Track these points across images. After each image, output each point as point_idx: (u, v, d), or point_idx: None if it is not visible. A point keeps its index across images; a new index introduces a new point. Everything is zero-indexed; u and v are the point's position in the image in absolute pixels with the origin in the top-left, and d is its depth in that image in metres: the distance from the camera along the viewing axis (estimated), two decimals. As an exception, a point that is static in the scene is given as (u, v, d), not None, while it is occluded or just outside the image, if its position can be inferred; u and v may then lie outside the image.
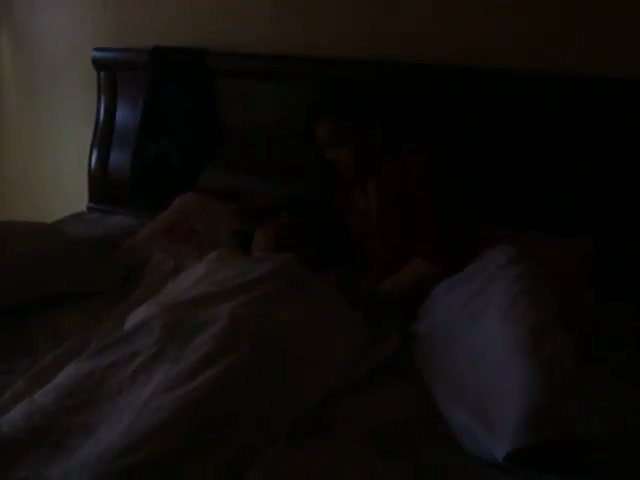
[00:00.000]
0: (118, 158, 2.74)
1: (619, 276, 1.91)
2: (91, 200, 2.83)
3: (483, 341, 1.45)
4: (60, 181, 3.16)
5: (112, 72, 2.69)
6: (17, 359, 1.58)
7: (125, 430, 1.15)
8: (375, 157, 1.93)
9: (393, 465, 1.23)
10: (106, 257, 2.12)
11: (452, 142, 2.04)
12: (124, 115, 2.71)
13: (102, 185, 2.78)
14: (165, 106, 2.56)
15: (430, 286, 1.73)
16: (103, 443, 1.14)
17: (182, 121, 2.54)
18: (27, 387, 1.42)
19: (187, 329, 1.41)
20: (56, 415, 1.24)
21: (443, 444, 1.32)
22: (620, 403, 1.33)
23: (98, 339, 1.61)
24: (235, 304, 1.49)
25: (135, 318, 1.55)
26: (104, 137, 2.75)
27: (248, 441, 1.24)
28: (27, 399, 1.30)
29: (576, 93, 1.99)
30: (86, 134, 2.80)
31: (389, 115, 1.98)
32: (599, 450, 1.23)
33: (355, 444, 1.29)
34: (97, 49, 2.69)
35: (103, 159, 2.76)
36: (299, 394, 1.40)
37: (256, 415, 1.29)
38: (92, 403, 1.27)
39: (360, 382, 1.51)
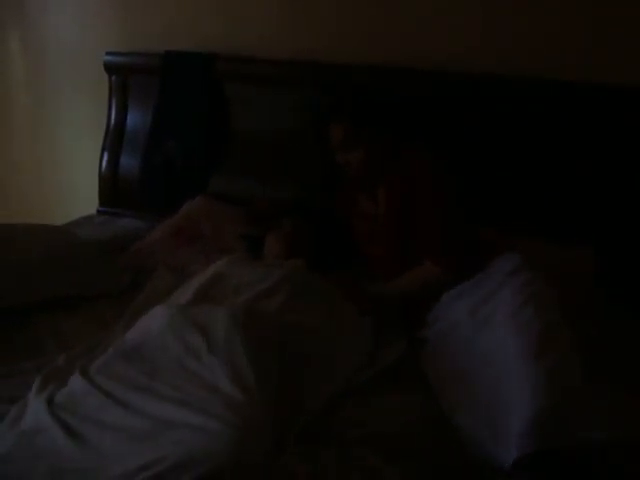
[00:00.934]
0: (128, 161, 2.76)
1: (621, 283, 1.90)
2: (101, 203, 2.85)
3: (490, 348, 1.45)
4: (70, 183, 3.19)
5: (123, 76, 2.72)
6: (21, 360, 1.59)
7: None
8: (384, 161, 1.93)
9: (396, 469, 1.23)
10: (113, 260, 2.13)
11: (452, 149, 2.03)
12: (135, 119, 2.73)
13: (112, 188, 2.80)
14: (175, 110, 2.58)
15: (436, 289, 1.73)
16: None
17: (191, 125, 2.56)
18: (42, 386, 1.42)
19: (211, 333, 1.42)
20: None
21: (448, 448, 1.32)
22: (624, 410, 1.33)
23: (110, 340, 1.62)
24: (250, 316, 1.49)
25: (153, 320, 1.54)
26: (114, 141, 2.77)
27: None
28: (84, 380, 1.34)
29: (577, 99, 1.97)
30: (97, 137, 2.81)
31: (392, 118, 1.98)
32: (602, 456, 1.22)
33: (359, 448, 1.29)
34: (109, 53, 2.71)
35: (113, 162, 2.78)
36: (311, 396, 1.41)
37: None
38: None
39: (365, 386, 1.51)
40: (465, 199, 1.88)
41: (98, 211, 2.83)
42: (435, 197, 1.81)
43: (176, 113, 2.57)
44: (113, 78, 2.74)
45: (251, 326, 1.44)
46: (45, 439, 1.21)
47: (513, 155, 2.06)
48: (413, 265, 1.82)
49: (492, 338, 1.47)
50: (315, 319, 1.58)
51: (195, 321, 1.45)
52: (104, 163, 2.79)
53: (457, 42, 2.13)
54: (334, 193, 2.17)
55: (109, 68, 2.72)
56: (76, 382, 1.36)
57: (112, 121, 2.76)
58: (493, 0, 2.06)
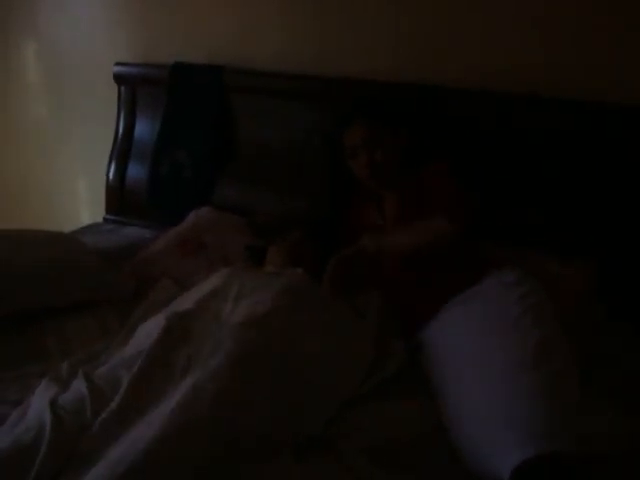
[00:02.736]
0: (135, 171, 2.78)
1: (621, 297, 1.90)
2: (107, 211, 2.87)
3: (486, 359, 1.45)
4: (78, 191, 3.23)
5: (132, 87, 2.75)
6: (26, 365, 1.61)
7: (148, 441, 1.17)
8: (401, 166, 1.95)
9: (394, 478, 1.24)
10: (118, 267, 2.14)
11: (456, 161, 2.02)
12: (142, 129, 2.76)
13: (119, 197, 2.83)
14: (183, 121, 2.61)
15: (444, 250, 1.73)
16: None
17: (198, 135, 2.58)
18: (45, 388, 1.44)
19: (205, 346, 1.42)
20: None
21: (447, 459, 1.32)
22: (620, 423, 1.33)
23: (112, 349, 1.64)
24: (248, 326, 1.50)
25: (153, 328, 1.55)
26: (122, 150, 2.80)
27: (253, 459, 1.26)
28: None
29: (578, 118, 1.98)
30: (107, 146, 2.84)
31: (413, 132, 2.00)
32: (599, 469, 1.22)
33: (358, 459, 1.29)
34: (118, 64, 2.74)
35: (120, 172, 2.81)
36: (306, 414, 1.40)
37: (262, 434, 1.30)
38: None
39: (363, 398, 1.51)
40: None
41: (104, 219, 2.86)
42: (451, 189, 1.84)
43: (184, 124, 2.60)
44: (122, 89, 2.77)
45: (245, 340, 1.43)
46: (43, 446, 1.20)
47: (516, 168, 2.07)
48: (420, 276, 1.81)
49: (489, 349, 1.47)
50: (316, 332, 1.58)
51: (191, 331, 1.47)
52: (111, 172, 2.82)
53: (463, 59, 2.15)
54: (344, 205, 2.18)
55: (118, 79, 2.75)
56: (80, 387, 1.38)
57: (120, 131, 2.79)
58: (507, 19, 2.07)
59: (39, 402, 1.35)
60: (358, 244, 1.84)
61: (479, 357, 1.47)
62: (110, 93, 2.80)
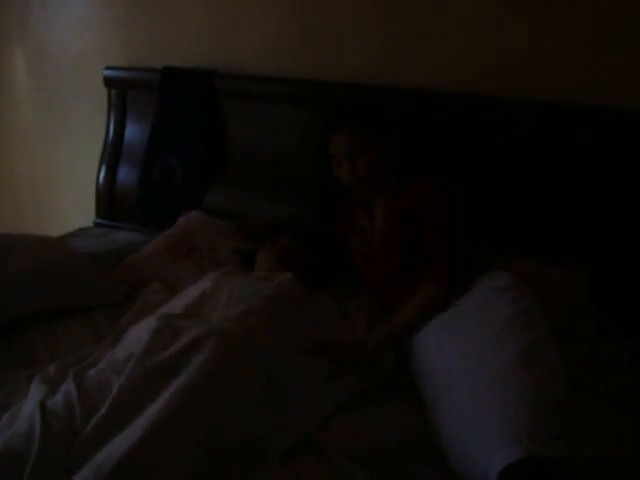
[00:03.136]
0: (125, 175, 2.79)
1: (613, 303, 1.90)
2: (98, 215, 2.88)
3: (475, 362, 1.45)
4: (69, 195, 3.22)
5: (122, 90, 2.75)
6: (14, 369, 1.60)
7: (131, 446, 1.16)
8: (389, 174, 1.92)
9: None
10: (108, 272, 2.14)
11: (448, 166, 2.03)
12: (133, 133, 2.76)
13: (109, 201, 2.83)
14: (174, 125, 2.61)
15: (440, 309, 1.70)
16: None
17: (188, 139, 2.59)
18: (37, 391, 1.43)
19: (194, 350, 1.41)
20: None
21: (435, 464, 1.32)
22: (610, 425, 1.33)
23: (100, 351, 1.64)
24: (236, 331, 1.49)
25: (139, 333, 1.56)
26: (112, 154, 2.80)
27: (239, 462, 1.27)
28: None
29: (573, 122, 1.98)
30: (96, 150, 2.84)
31: (404, 139, 1.98)
32: (588, 471, 1.23)
33: (346, 464, 1.29)
34: (108, 68, 2.75)
35: (111, 175, 2.81)
36: (295, 424, 1.40)
37: (253, 444, 1.30)
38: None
39: (352, 403, 1.51)
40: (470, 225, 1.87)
41: (95, 223, 2.85)
42: (447, 225, 1.79)
43: (174, 128, 2.60)
44: (112, 92, 2.77)
45: (232, 344, 1.43)
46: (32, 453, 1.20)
47: (509, 174, 2.07)
48: (411, 282, 1.80)
49: (478, 353, 1.47)
50: (301, 340, 1.59)
51: (181, 335, 1.46)
52: (101, 176, 2.82)
53: (455, 63, 2.15)
54: (332, 210, 2.18)
55: (108, 82, 2.75)
56: (70, 390, 1.38)
57: (110, 135, 2.79)
58: (500, 21, 2.07)
59: (29, 406, 1.34)
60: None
61: (468, 361, 1.48)
62: (100, 96, 2.80)
